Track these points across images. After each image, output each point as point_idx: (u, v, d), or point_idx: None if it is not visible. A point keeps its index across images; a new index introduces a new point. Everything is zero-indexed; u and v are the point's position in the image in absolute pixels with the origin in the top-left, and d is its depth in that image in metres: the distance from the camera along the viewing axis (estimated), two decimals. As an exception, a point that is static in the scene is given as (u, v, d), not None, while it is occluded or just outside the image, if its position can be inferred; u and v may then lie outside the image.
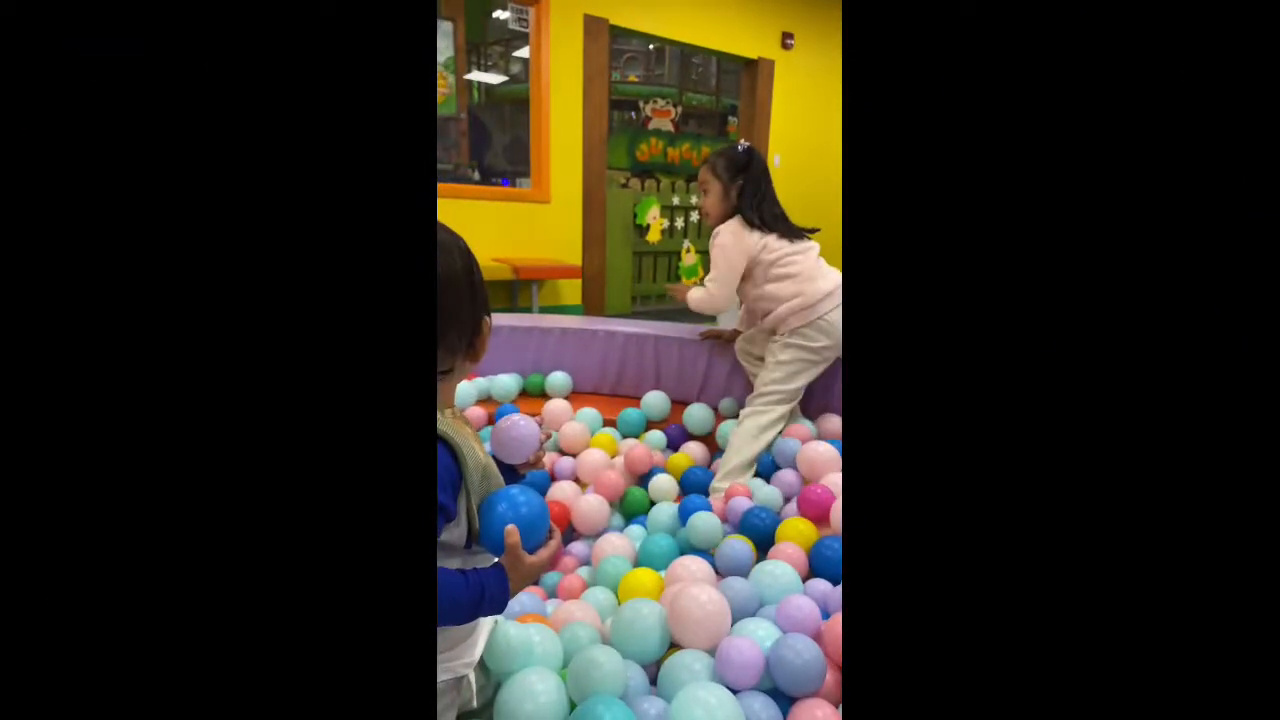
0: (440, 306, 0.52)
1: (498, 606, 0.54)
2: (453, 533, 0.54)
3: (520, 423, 0.66)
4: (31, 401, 0.30)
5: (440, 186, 3.58)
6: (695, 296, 1.40)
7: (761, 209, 1.35)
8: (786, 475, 1.20)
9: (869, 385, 0.34)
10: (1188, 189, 0.30)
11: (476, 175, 4.89)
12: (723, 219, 1.39)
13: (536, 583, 1.06)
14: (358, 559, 0.32)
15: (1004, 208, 0.32)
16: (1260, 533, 0.29)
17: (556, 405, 1.47)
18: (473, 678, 0.61)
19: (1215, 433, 0.30)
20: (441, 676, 0.57)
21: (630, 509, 1.24)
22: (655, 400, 1.52)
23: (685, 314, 4.25)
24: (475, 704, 0.62)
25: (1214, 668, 0.29)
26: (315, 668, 0.32)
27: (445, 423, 0.55)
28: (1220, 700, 0.29)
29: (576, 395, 1.65)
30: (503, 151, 6.16)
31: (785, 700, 0.69)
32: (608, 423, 1.50)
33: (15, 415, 0.29)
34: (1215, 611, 0.29)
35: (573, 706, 0.67)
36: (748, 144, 1.40)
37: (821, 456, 1.15)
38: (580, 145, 3.77)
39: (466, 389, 1.54)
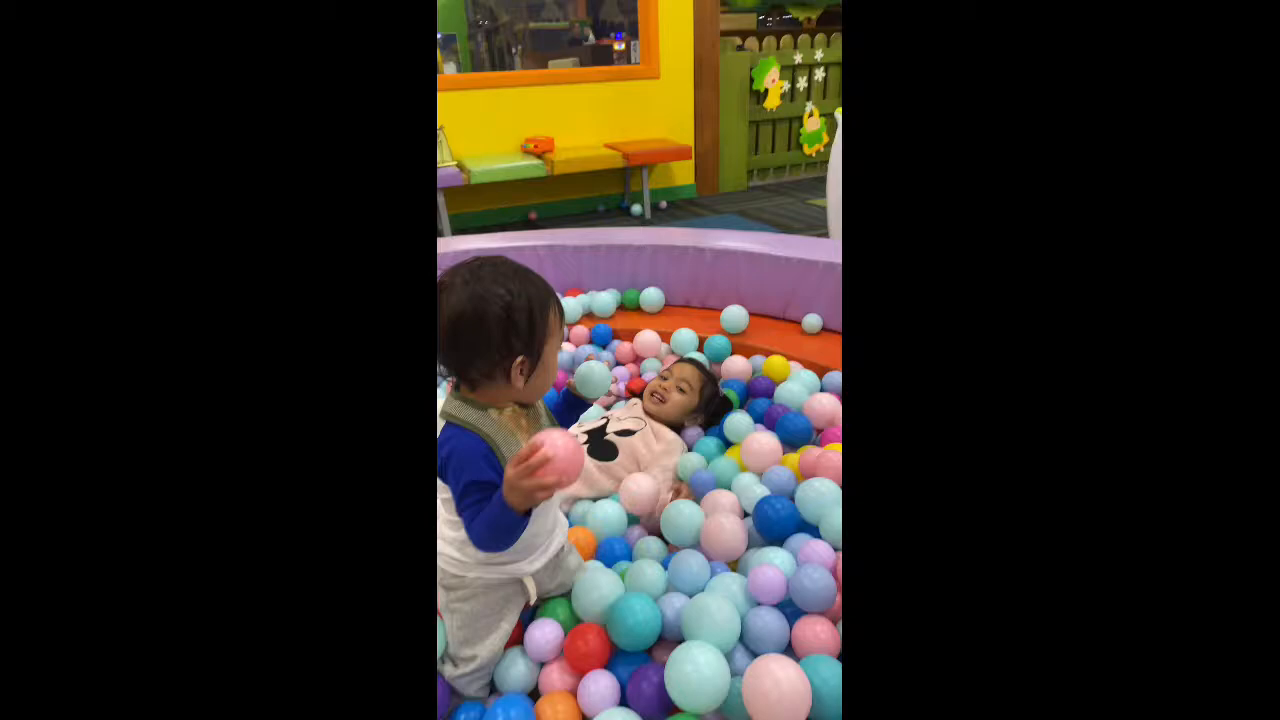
0: (461, 342, 0.65)
1: (510, 518, 0.64)
2: None
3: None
4: (26, 397, 0.30)
5: (549, 74, 3.54)
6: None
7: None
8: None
9: (869, 384, 0.34)
10: (1187, 188, 0.30)
11: (590, 36, 4.71)
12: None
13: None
14: (355, 544, 0.34)
15: (1006, 207, 0.32)
16: (1260, 533, 0.29)
17: (647, 336, 1.59)
18: (529, 583, 0.80)
19: (1214, 432, 0.30)
20: (500, 577, 0.77)
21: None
22: (734, 315, 1.59)
23: (797, 189, 3.93)
24: (534, 600, 0.83)
25: (1213, 667, 0.29)
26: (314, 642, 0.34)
27: (491, 422, 0.69)
28: (1220, 700, 0.29)
29: (670, 309, 1.78)
30: (618, 3, 5.81)
31: (795, 615, 0.88)
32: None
33: (14, 415, 0.30)
34: (1215, 611, 0.29)
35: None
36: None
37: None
38: (690, 5, 3.54)
39: (572, 305, 1.72)
